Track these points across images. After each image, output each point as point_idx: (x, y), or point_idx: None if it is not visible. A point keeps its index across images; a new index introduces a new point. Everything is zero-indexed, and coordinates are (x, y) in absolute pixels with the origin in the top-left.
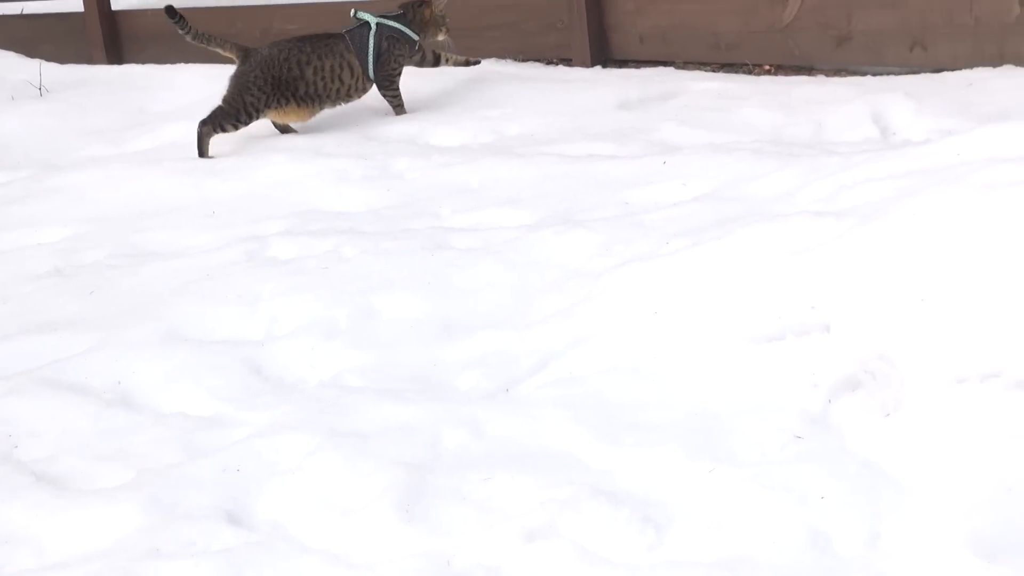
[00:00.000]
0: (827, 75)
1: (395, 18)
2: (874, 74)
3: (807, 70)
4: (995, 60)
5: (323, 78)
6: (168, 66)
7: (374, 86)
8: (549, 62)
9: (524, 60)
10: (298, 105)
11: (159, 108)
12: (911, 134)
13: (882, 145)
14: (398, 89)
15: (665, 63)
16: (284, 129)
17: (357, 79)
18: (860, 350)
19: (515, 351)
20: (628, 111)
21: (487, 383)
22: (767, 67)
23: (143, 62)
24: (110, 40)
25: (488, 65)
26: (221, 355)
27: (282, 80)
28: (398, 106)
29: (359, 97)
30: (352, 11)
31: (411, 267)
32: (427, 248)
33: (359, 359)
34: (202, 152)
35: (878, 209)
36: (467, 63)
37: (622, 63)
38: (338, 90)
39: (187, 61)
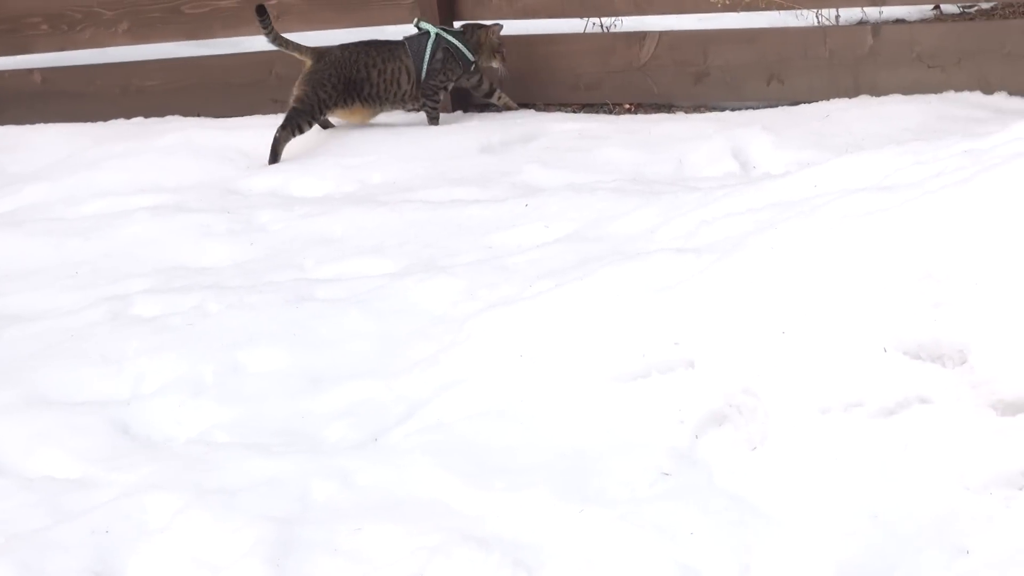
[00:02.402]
0: (687, 111)
1: (455, 34)
2: (733, 109)
3: (667, 107)
4: (850, 91)
5: (385, 81)
6: (27, 126)
7: None
8: (411, 109)
9: None
10: (362, 105)
11: (18, 169)
12: (770, 167)
13: (742, 179)
14: (438, 101)
15: (525, 105)
16: (325, 124)
17: (413, 85)
18: (725, 385)
19: (383, 400)
20: (490, 154)
21: (355, 433)
22: (627, 106)
23: (1, 123)
24: None
25: None
26: (87, 416)
27: (352, 80)
28: (433, 118)
29: (414, 107)
30: (415, 20)
31: (276, 320)
32: (291, 300)
33: (226, 414)
34: (274, 158)
35: (737, 244)
36: (512, 108)
37: (483, 107)
38: (395, 94)
39: (46, 121)
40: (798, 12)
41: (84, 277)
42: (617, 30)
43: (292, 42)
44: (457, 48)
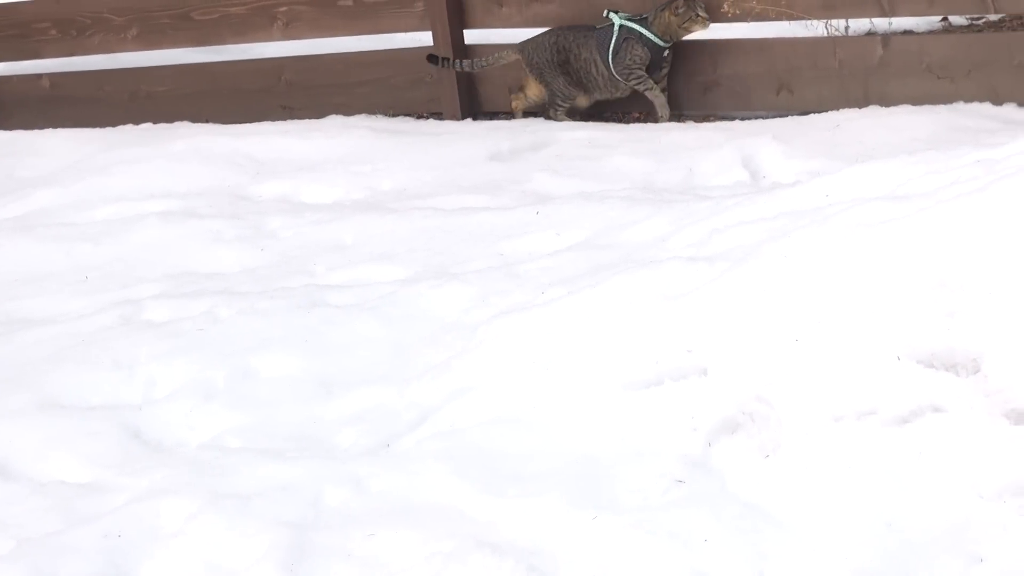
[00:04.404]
0: (696, 121)
1: (639, 20)
2: (742, 118)
3: (676, 116)
4: (860, 101)
5: (581, 67)
6: (36, 132)
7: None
8: (420, 116)
9: (395, 115)
10: (580, 89)
11: (28, 174)
12: (780, 176)
13: (752, 188)
14: (641, 77)
15: (535, 114)
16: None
17: (603, 76)
18: (738, 392)
19: (395, 406)
20: (500, 162)
21: (367, 439)
22: (636, 114)
23: (10, 128)
24: None
25: (359, 120)
26: (99, 421)
27: (560, 64)
28: (648, 90)
29: (621, 95)
30: (605, 11)
31: (287, 326)
32: (303, 306)
33: (238, 419)
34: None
35: (750, 252)
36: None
37: (492, 115)
38: (594, 83)
39: (55, 126)
40: (807, 22)
41: (95, 282)
42: None
43: (490, 56)
44: (640, 34)
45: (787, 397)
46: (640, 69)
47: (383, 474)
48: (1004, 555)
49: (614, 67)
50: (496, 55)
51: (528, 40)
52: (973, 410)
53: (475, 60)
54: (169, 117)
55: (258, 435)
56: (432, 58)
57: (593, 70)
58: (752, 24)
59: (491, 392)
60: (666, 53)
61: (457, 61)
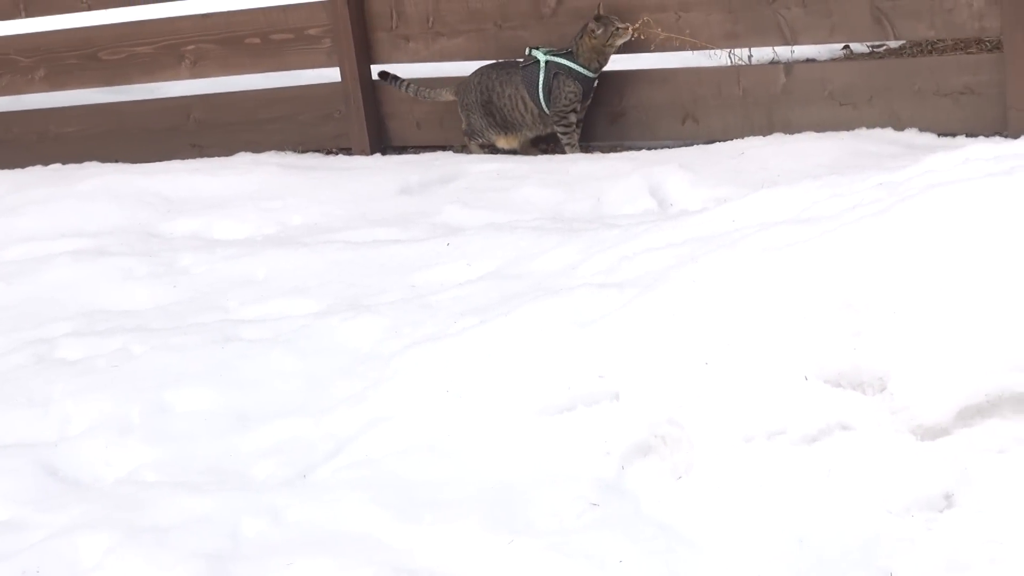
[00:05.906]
0: (603, 151)
1: (564, 55)
2: (649, 148)
3: (583, 147)
4: (764, 129)
5: (505, 105)
6: None
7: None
8: (329, 152)
9: (304, 151)
10: (502, 130)
11: None
12: (688, 204)
13: (660, 216)
14: (571, 125)
15: (444, 147)
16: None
17: (532, 114)
18: (650, 416)
19: (310, 437)
20: (410, 195)
21: (284, 470)
22: (543, 146)
23: None
24: None
25: (269, 157)
26: (14, 458)
27: (483, 104)
28: (568, 144)
29: (551, 130)
30: (527, 49)
31: (201, 361)
32: (217, 341)
33: (154, 454)
34: (469, 151)
35: (659, 278)
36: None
37: (401, 149)
38: (520, 120)
39: None
40: (711, 52)
41: (7, 322)
42: None
43: (432, 88)
44: (569, 68)
45: (698, 419)
46: (574, 112)
47: (300, 504)
48: (913, 569)
49: (550, 108)
50: (437, 91)
51: (462, 81)
52: (880, 427)
53: (420, 89)
54: (78, 157)
55: (175, 469)
56: (384, 75)
57: (520, 107)
58: (657, 54)
59: (406, 421)
60: (595, 83)
61: (404, 83)
